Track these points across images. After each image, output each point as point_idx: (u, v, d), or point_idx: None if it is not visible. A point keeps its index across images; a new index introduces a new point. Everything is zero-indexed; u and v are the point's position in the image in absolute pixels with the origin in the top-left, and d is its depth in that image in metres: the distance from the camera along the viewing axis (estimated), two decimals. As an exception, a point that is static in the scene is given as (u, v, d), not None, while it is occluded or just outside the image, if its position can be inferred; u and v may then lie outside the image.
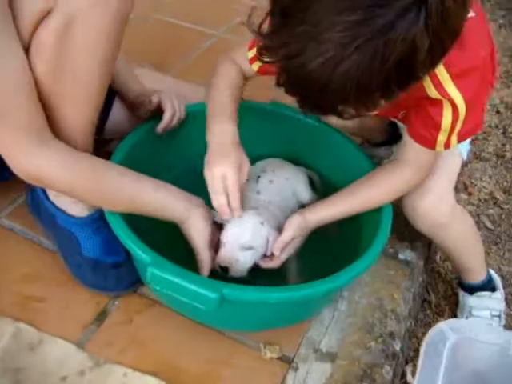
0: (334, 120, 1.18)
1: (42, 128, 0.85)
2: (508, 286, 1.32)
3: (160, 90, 1.13)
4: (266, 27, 0.72)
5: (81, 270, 1.02)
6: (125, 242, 0.88)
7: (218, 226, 0.99)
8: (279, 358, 0.97)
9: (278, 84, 0.73)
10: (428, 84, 0.83)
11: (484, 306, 1.15)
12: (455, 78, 0.82)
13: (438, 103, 0.86)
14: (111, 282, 1.01)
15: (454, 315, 1.24)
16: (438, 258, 1.39)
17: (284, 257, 0.97)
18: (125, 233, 0.88)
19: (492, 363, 0.81)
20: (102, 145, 1.14)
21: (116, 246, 1.02)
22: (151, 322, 1.00)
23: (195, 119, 1.17)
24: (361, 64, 0.64)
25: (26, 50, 0.82)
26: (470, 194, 1.62)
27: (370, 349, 1.00)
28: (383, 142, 1.31)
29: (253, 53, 0.99)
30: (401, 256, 1.19)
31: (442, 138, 0.90)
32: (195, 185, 0.99)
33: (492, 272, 1.22)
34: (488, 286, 1.18)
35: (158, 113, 1.12)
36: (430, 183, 1.03)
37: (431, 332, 0.79)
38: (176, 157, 1.17)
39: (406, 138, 0.96)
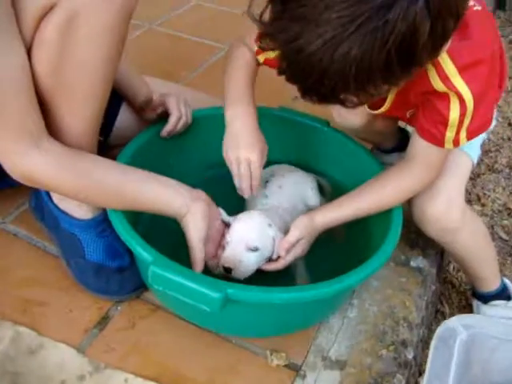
0: (343, 123, 1.17)
1: (37, 128, 0.83)
2: (524, 296, 1.28)
3: (167, 93, 1.12)
4: (267, 16, 0.71)
5: (83, 274, 1.00)
6: (126, 239, 0.86)
7: (225, 225, 0.97)
8: (286, 366, 0.93)
9: (280, 73, 0.72)
10: (434, 77, 0.82)
11: (499, 315, 1.11)
12: (462, 70, 0.80)
13: (444, 97, 0.84)
14: (114, 287, 0.99)
15: (469, 326, 1.19)
16: (451, 268, 1.35)
17: (289, 259, 0.95)
18: (127, 231, 0.86)
19: (507, 360, 0.77)
20: (108, 150, 1.12)
21: (120, 249, 1.01)
22: (154, 328, 0.97)
23: (202, 124, 1.17)
24: (361, 45, 0.62)
25: (29, 49, 0.81)
26: (483, 205, 1.59)
27: (382, 357, 0.96)
28: (393, 149, 1.29)
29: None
30: (412, 263, 1.15)
31: (450, 134, 0.87)
32: (201, 188, 0.97)
33: (507, 281, 1.18)
34: (503, 294, 1.14)
35: (165, 116, 1.12)
36: (440, 186, 1.00)
37: (441, 328, 0.75)
38: (181, 161, 1.15)
39: (414, 136, 0.94)
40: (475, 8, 0.83)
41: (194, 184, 0.98)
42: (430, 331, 1.18)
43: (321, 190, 1.19)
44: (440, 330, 0.75)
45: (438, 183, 0.99)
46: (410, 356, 0.98)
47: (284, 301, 0.83)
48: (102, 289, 0.99)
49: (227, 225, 0.98)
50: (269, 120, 1.21)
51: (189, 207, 0.91)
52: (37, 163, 0.83)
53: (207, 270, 0.93)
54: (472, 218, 1.07)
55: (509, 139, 1.86)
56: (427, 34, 0.63)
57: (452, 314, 1.25)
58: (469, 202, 1.58)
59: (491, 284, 1.13)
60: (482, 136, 1.07)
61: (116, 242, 0.99)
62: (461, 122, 0.85)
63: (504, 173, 1.72)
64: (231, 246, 0.93)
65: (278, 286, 0.87)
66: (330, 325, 1.01)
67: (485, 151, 1.76)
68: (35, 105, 0.83)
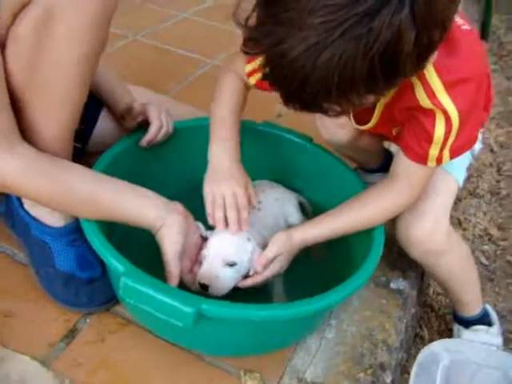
0: (329, 138, 1.15)
1: (9, 131, 0.80)
2: (504, 322, 1.26)
3: (149, 102, 1.10)
4: (253, 21, 0.70)
5: (52, 284, 0.95)
6: (97, 248, 0.82)
7: (203, 240, 0.94)
8: (260, 387, 0.90)
9: (263, 78, 0.70)
10: (420, 93, 0.81)
11: (480, 341, 1.09)
12: (449, 87, 0.79)
13: (430, 113, 0.82)
14: (83, 299, 0.94)
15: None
16: (431, 291, 1.34)
17: (267, 274, 0.92)
18: (98, 239, 0.83)
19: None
20: (85, 157, 1.09)
21: (92, 260, 0.97)
22: (124, 343, 0.93)
23: (183, 135, 1.15)
24: (344, 52, 0.61)
25: (3, 46, 0.78)
26: (464, 229, 1.59)
27: (359, 380, 0.93)
28: (378, 169, 1.28)
29: (251, 66, 0.97)
30: (393, 285, 1.13)
31: (433, 151, 0.86)
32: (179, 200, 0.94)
33: (488, 306, 1.16)
34: (484, 319, 1.12)
35: (145, 125, 1.09)
36: (425, 207, 0.99)
37: (423, 353, 0.73)
38: (160, 172, 1.12)
39: (398, 155, 0.93)
40: (464, 27, 0.82)
41: (172, 196, 0.95)
42: (409, 355, 1.16)
43: (302, 208, 1.17)
44: (422, 355, 0.72)
45: (423, 204, 0.98)
46: (389, 380, 0.95)
47: (261, 318, 0.79)
48: (70, 300, 0.94)
49: (205, 239, 0.95)
50: (252, 134, 1.20)
51: (164, 220, 0.88)
52: (8, 167, 0.80)
53: (183, 286, 0.89)
54: (457, 240, 1.06)
55: (490, 165, 1.87)
56: (412, 43, 0.62)
57: (431, 339, 1.23)
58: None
59: (473, 308, 1.11)
60: (468, 158, 1.06)
61: (88, 251, 0.95)
62: (445, 139, 0.84)
63: (485, 198, 1.72)
64: (208, 260, 0.90)
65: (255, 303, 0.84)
66: (306, 345, 0.98)
67: (467, 176, 1.77)
68: (8, 106, 0.80)
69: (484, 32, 2.71)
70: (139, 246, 0.95)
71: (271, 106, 1.65)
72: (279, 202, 1.12)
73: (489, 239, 1.55)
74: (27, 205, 0.97)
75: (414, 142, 0.87)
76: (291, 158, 1.20)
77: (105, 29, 0.81)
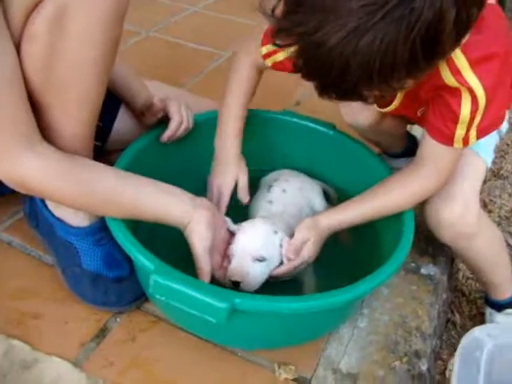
0: (351, 122, 1.13)
1: (31, 132, 0.79)
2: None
3: (168, 97, 1.08)
4: (279, 11, 0.68)
5: (80, 284, 0.95)
6: (126, 247, 0.81)
7: (231, 234, 0.93)
8: (295, 380, 0.88)
9: (296, 70, 0.68)
10: (445, 71, 0.78)
11: (514, 324, 1.06)
12: (474, 64, 0.77)
13: (456, 92, 0.80)
14: (112, 298, 0.94)
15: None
16: (460, 275, 1.31)
17: (297, 262, 0.90)
18: (127, 238, 0.82)
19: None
20: (106, 155, 1.08)
21: (119, 258, 0.96)
22: (155, 341, 0.92)
23: (204, 129, 1.13)
24: (385, 35, 0.59)
25: (17, 45, 0.77)
26: (490, 211, 1.55)
27: (395, 369, 0.92)
28: (402, 154, 1.25)
29: (267, 49, 0.95)
30: (423, 271, 1.11)
31: (460, 131, 0.83)
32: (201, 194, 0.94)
33: (521, 288, 1.13)
34: (518, 302, 1.09)
35: (165, 121, 1.07)
36: (455, 190, 0.96)
37: (465, 339, 0.71)
38: (183, 167, 1.11)
39: (424, 137, 0.90)
40: (489, 1, 0.80)
41: (195, 190, 0.94)
42: (442, 341, 1.14)
43: (327, 196, 1.15)
44: (465, 341, 0.70)
45: (453, 186, 0.95)
46: (424, 368, 0.93)
47: (293, 310, 0.78)
48: (99, 300, 0.94)
49: (232, 234, 0.94)
50: (273, 124, 1.18)
51: (192, 216, 0.87)
52: (30, 168, 0.79)
53: (214, 281, 0.88)
54: (487, 222, 1.03)
55: (514, 145, 1.83)
56: (452, 22, 0.60)
57: (463, 324, 1.21)
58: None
59: (505, 291, 1.09)
60: (496, 139, 1.03)
61: (114, 250, 0.95)
62: (472, 118, 0.81)
63: (510, 179, 1.68)
64: (236, 257, 0.89)
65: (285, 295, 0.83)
66: (339, 335, 0.96)
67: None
68: (28, 107, 0.79)
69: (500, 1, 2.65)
70: (164, 242, 0.94)
71: (289, 95, 1.63)
72: (303, 191, 1.11)
73: (515, 220, 1.52)
74: (51, 205, 0.96)
75: (440, 122, 0.85)
76: (314, 145, 1.18)
77: (118, 27, 0.79)
